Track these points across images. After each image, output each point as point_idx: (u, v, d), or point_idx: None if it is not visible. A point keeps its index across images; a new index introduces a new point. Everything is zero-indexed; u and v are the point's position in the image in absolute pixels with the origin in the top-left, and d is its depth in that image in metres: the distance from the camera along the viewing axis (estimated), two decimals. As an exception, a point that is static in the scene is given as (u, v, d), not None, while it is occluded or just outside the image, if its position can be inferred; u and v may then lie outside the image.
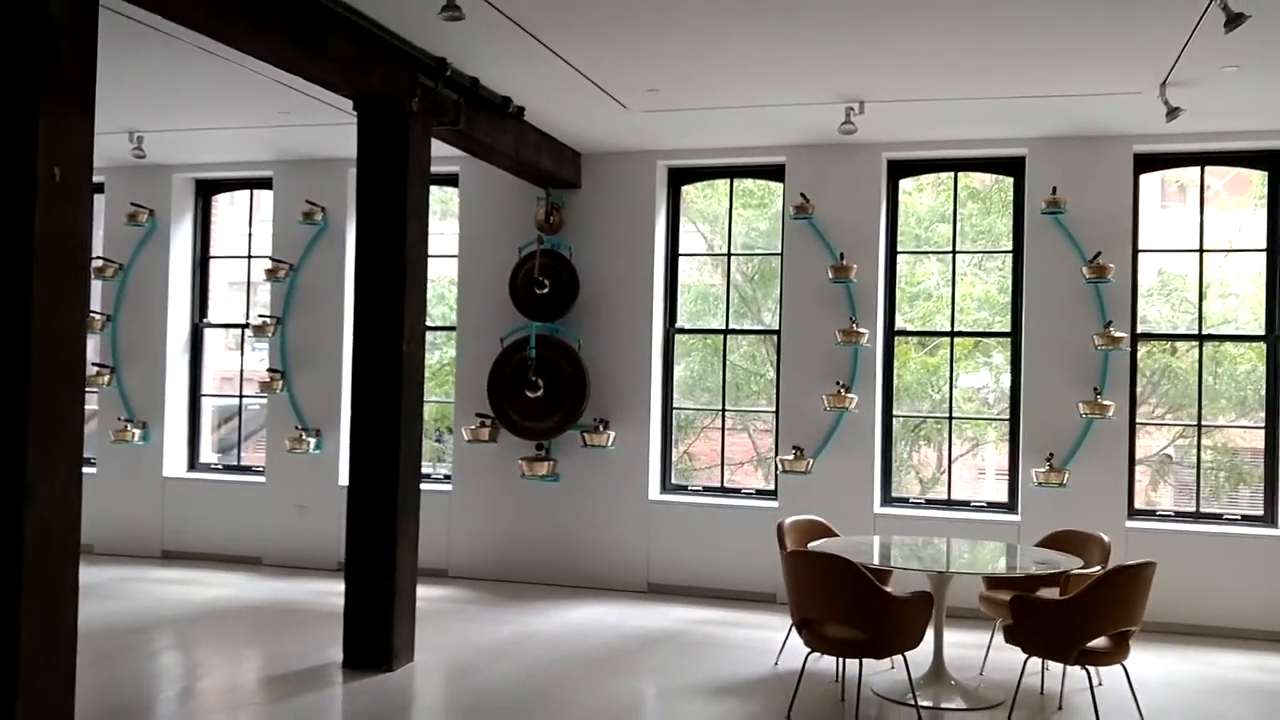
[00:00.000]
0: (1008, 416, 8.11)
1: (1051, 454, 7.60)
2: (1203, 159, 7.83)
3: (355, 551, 6.06)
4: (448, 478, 9.02)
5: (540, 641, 6.79)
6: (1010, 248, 8.18)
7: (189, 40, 5.56)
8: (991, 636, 6.22)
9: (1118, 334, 7.51)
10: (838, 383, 7.96)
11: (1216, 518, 7.71)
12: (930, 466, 9.52)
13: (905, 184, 8.47)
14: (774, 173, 8.48)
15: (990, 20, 5.43)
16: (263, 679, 6.13)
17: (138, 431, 9.42)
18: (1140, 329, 7.93)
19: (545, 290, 8.44)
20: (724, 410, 8.76)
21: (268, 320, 9.21)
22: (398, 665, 6.00)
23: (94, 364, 9.38)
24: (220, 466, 9.78)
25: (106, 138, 8.15)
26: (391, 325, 6.05)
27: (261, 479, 9.33)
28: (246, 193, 9.86)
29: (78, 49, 3.75)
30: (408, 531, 6.13)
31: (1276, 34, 5.44)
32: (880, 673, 5.90)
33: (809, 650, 5.36)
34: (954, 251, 8.40)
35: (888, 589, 5.47)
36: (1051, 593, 5.68)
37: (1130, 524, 7.55)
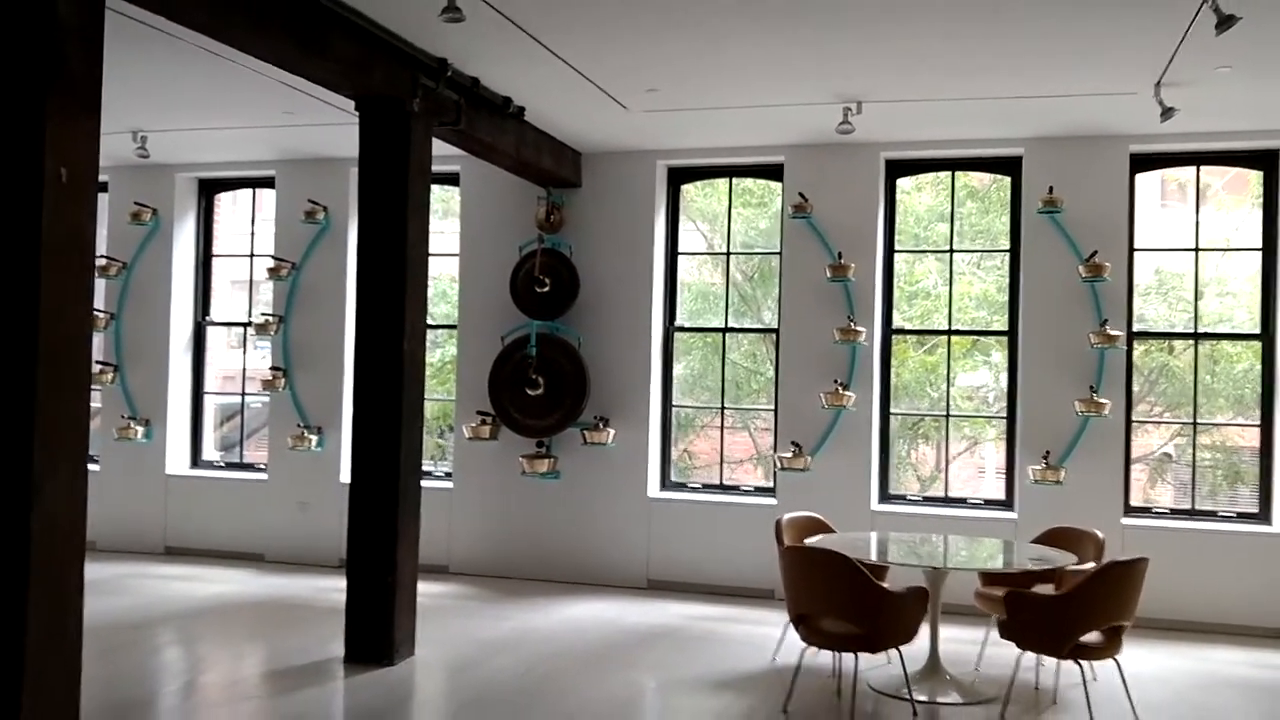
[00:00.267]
0: (1005, 415, 8.17)
1: (1048, 452, 7.65)
2: (1198, 159, 7.88)
3: (357, 548, 6.12)
4: (449, 475, 9.08)
5: (540, 637, 6.85)
6: (1008, 247, 8.23)
7: (192, 41, 5.62)
8: (987, 632, 6.26)
9: (1113, 332, 7.56)
10: (836, 381, 8.01)
11: (1211, 515, 7.76)
12: (929, 464, 9.57)
13: (903, 183, 8.52)
14: (773, 172, 8.53)
15: (987, 21, 5.48)
16: (265, 673, 6.19)
17: (141, 429, 9.48)
18: (1138, 328, 7.98)
19: (546, 289, 8.49)
20: (723, 409, 8.81)
21: (270, 319, 9.27)
22: (399, 660, 6.06)
23: (97, 362, 9.44)
24: (223, 464, 9.84)
25: (110, 137, 8.11)
26: (393, 323, 6.10)
27: (264, 476, 9.39)
28: (249, 192, 9.92)
29: (85, 51, 3.80)
30: (409, 528, 6.18)
31: (1268, 35, 5.49)
32: (877, 668, 5.96)
33: (806, 645, 5.42)
34: (951, 250, 8.45)
35: (885, 585, 5.52)
36: (1046, 589, 5.74)
37: (1126, 521, 7.60)
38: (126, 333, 9.66)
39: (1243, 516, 7.71)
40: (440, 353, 9.76)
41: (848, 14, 5.44)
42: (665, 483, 8.69)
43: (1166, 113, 6.45)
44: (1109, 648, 5.24)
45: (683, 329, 8.90)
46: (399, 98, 5.99)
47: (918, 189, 9.16)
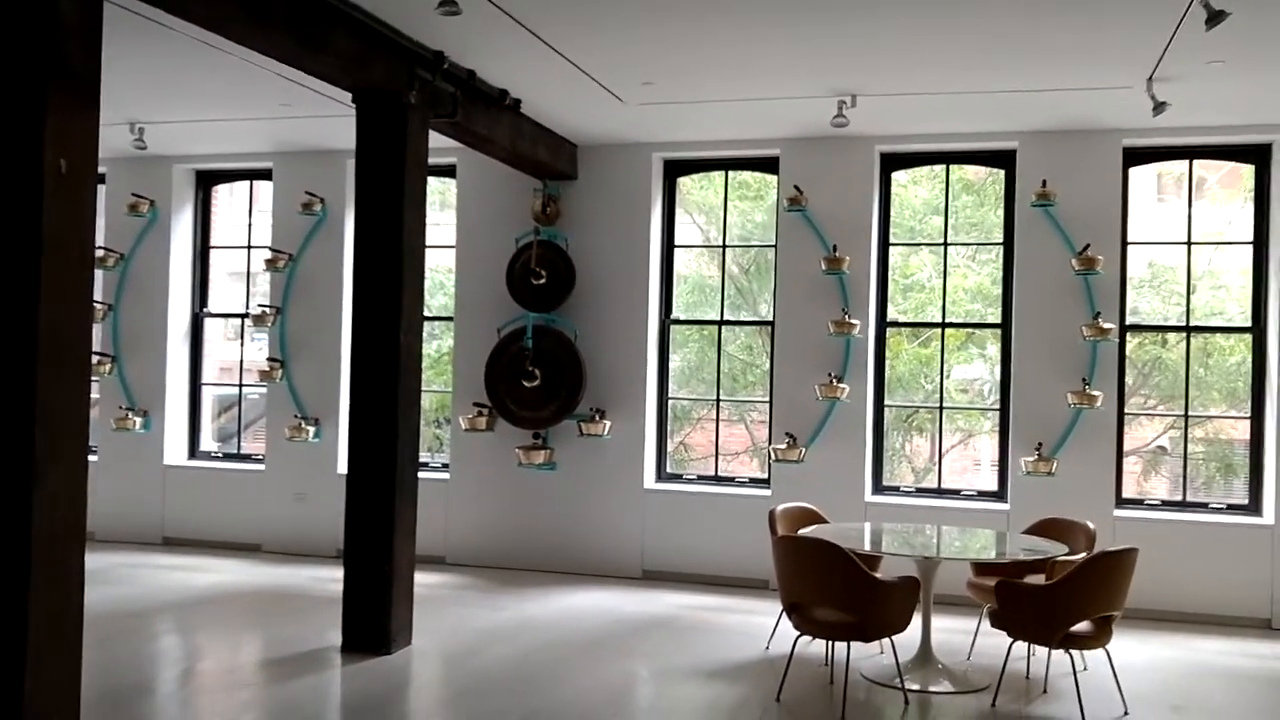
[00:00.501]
0: (998, 407, 8.22)
1: (1040, 443, 7.70)
2: (1190, 153, 7.92)
3: (354, 538, 6.16)
4: (445, 466, 9.12)
5: (536, 626, 6.90)
6: (1002, 240, 8.27)
7: (190, 34, 5.63)
8: (979, 622, 6.32)
9: (1106, 325, 7.61)
10: (830, 373, 8.05)
11: (1203, 506, 7.82)
12: (923, 456, 9.62)
13: (898, 176, 8.56)
14: (769, 165, 8.56)
15: (981, 15, 5.52)
16: (262, 661, 6.24)
17: (139, 420, 9.52)
18: (1131, 320, 8.04)
19: (542, 281, 8.52)
20: (719, 401, 8.86)
21: (267, 310, 9.30)
22: (395, 649, 6.10)
23: (95, 353, 9.46)
24: (220, 455, 9.87)
25: (108, 129, 8.12)
26: (390, 315, 6.13)
27: (261, 467, 9.43)
28: (246, 184, 9.94)
29: (85, 45, 3.83)
30: (405, 519, 6.22)
31: (1259, 30, 5.52)
32: (869, 657, 6.01)
33: (798, 634, 5.47)
34: (945, 244, 8.49)
35: (877, 575, 5.57)
36: (1037, 579, 5.79)
37: (1118, 513, 7.66)
38: (124, 324, 9.69)
39: (1233, 508, 7.77)
40: (437, 344, 9.79)
41: (843, 8, 5.47)
42: (661, 474, 8.73)
43: (1158, 107, 6.50)
44: (1099, 637, 5.30)
45: (678, 321, 8.94)
46: (396, 90, 6.01)
47: (912, 182, 9.19)
